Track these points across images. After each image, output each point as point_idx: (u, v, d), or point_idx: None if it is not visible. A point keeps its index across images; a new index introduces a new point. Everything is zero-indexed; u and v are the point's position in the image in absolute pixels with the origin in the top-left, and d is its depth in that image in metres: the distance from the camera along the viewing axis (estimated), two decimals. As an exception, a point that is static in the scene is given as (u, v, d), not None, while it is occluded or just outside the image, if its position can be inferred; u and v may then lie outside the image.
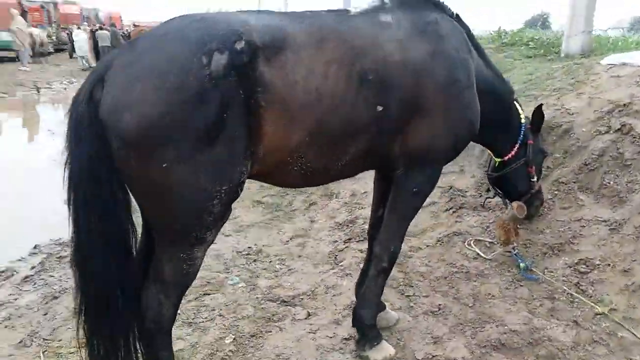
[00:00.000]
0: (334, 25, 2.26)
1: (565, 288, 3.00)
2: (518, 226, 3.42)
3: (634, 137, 3.76)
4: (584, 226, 3.43)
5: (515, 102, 3.27)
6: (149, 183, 1.93)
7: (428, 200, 4.50)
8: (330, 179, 2.53)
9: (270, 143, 2.08)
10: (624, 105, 4.03)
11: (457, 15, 2.77)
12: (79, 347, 2.23)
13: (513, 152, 3.29)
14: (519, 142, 3.26)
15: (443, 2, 2.71)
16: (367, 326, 2.78)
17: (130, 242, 2.12)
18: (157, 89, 1.81)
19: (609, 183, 3.66)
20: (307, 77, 2.08)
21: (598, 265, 3.07)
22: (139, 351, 2.30)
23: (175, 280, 2.14)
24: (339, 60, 2.16)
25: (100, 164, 1.92)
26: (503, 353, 2.67)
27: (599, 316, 2.74)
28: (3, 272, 4.19)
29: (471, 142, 3.01)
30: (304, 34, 2.14)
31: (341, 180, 2.89)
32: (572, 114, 4.28)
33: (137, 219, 2.20)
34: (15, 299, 3.75)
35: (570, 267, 3.16)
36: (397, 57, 2.31)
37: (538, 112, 3.31)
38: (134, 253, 2.17)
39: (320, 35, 2.18)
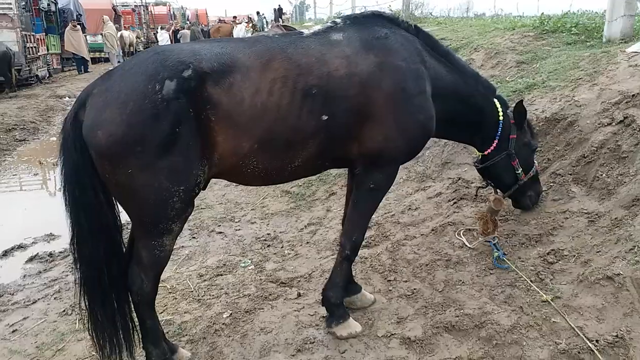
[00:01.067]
0: (283, 47, 2.59)
1: (524, 277, 3.12)
2: (496, 218, 3.55)
3: (634, 129, 3.72)
4: (568, 218, 3.49)
5: (495, 99, 3.42)
6: (119, 186, 2.40)
7: (432, 191, 4.74)
8: (286, 178, 2.88)
9: (223, 150, 2.47)
10: (632, 96, 3.97)
11: (416, 26, 3.00)
12: (82, 317, 2.75)
13: (493, 147, 3.45)
14: (497, 137, 3.42)
15: (397, 18, 2.96)
16: (333, 305, 3.10)
17: (113, 232, 2.60)
18: (121, 112, 2.27)
19: (602, 175, 3.67)
20: (253, 95, 2.44)
21: (565, 256, 3.15)
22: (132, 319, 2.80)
23: (150, 263, 2.58)
24: (283, 78, 2.50)
25: (83, 171, 2.42)
26: (452, 334, 2.88)
27: (543, 303, 2.86)
28: (61, 252, 4.92)
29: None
30: (252, 57, 2.50)
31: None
32: (580, 105, 4.26)
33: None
34: (67, 276, 4.42)
35: (541, 257, 3.25)
36: (342, 71, 2.60)
37: (518, 108, 3.45)
38: (120, 241, 2.66)
39: (268, 57, 2.52)
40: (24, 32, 17.28)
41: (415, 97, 2.77)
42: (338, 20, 2.86)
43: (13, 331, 3.60)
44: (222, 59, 2.44)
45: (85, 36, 22.83)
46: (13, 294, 4.20)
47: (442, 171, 5.03)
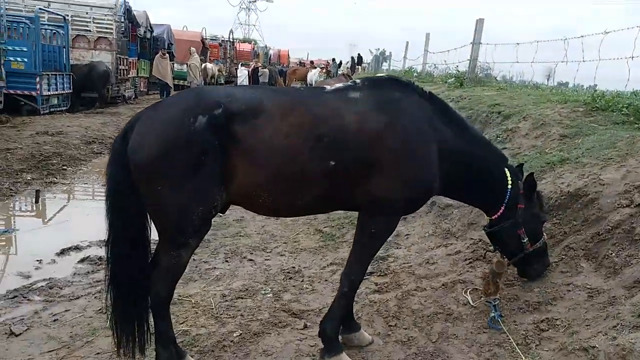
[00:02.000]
0: (305, 99, 3.02)
1: (512, 339, 3.26)
2: (498, 280, 3.70)
3: (650, 214, 3.80)
4: (570, 291, 3.60)
5: (506, 168, 3.61)
6: (150, 199, 2.86)
7: (453, 248, 4.93)
8: (295, 213, 3.25)
9: (240, 180, 2.88)
10: (656, 181, 4.06)
11: (430, 93, 3.32)
12: (110, 311, 3.17)
13: (499, 213, 3.63)
14: (504, 204, 3.60)
15: (412, 83, 3.31)
16: (328, 338, 3.36)
17: (141, 238, 3.04)
18: (159, 138, 2.75)
19: (611, 254, 3.75)
20: (272, 136, 2.85)
21: (557, 325, 3.26)
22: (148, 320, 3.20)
23: (167, 269, 2.99)
24: (300, 125, 2.90)
25: (124, 183, 2.90)
26: (432, 382, 3.07)
27: (521, 365, 3.00)
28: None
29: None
30: (277, 104, 2.93)
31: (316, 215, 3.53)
32: (604, 184, 4.36)
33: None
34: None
35: (535, 323, 3.37)
36: (353, 125, 2.97)
37: (528, 180, 3.62)
38: (146, 247, 3.10)
39: (290, 106, 2.95)
40: (118, 55, 19.04)
41: (419, 156, 3.08)
42: (358, 81, 3.26)
43: (55, 320, 4.10)
44: (250, 102, 2.88)
45: (173, 64, 24.66)
46: (62, 288, 4.75)
47: (467, 231, 5.20)
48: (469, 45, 13.04)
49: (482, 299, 3.82)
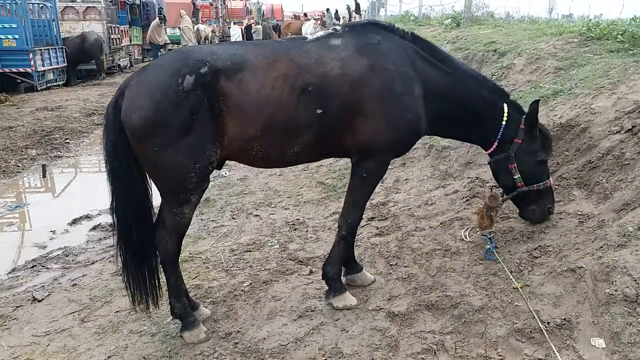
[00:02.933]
0: (287, 50, 3.07)
1: (505, 267, 3.41)
2: (492, 214, 3.82)
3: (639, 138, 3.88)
4: (562, 218, 3.72)
5: (505, 103, 3.58)
6: (147, 160, 2.97)
7: (451, 188, 5.05)
8: (286, 162, 3.33)
9: (232, 134, 2.97)
10: (645, 105, 4.10)
11: (412, 34, 3.35)
12: (122, 271, 3.34)
13: (493, 148, 3.65)
14: (498, 139, 3.59)
15: (393, 26, 3.32)
16: (331, 279, 3.54)
17: (143, 198, 3.18)
18: (150, 100, 2.83)
19: (602, 180, 3.85)
20: (258, 89, 2.93)
21: (549, 252, 3.40)
22: (159, 276, 3.37)
23: (172, 227, 3.13)
24: (284, 76, 2.97)
25: (120, 147, 3.00)
26: (431, 311, 3.24)
27: (513, 289, 3.15)
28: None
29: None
30: (260, 57, 2.99)
31: (320, 161, 3.61)
32: (595, 113, 4.42)
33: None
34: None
35: (528, 252, 3.51)
36: (336, 71, 3.03)
37: (529, 116, 3.55)
38: (149, 206, 3.23)
39: (273, 58, 3.00)
40: (109, 24, 18.81)
41: (403, 97, 3.14)
42: (338, 28, 3.30)
43: (73, 285, 4.30)
44: (234, 58, 2.95)
45: (165, 29, 24.32)
46: (77, 255, 4.96)
47: (464, 171, 5.31)
48: (463, -16, 12.78)
49: (477, 232, 3.95)
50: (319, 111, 3.03)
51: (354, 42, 3.15)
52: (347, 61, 3.08)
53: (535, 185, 3.61)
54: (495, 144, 3.62)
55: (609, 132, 4.14)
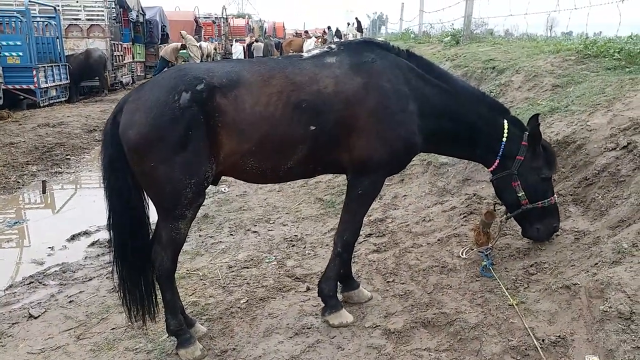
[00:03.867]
0: (282, 67, 3.11)
1: (501, 284, 3.41)
2: (489, 230, 3.82)
3: (635, 155, 3.88)
4: (558, 235, 3.72)
5: (506, 120, 3.54)
6: (144, 175, 2.99)
7: (448, 205, 5.05)
8: (281, 178, 3.35)
9: (227, 150, 3.00)
10: (641, 123, 4.12)
11: (408, 51, 3.39)
12: (118, 286, 3.34)
13: (494, 165, 3.58)
14: (499, 156, 3.54)
15: (387, 43, 3.36)
16: (326, 296, 3.53)
17: (140, 213, 3.19)
18: (147, 116, 2.86)
19: (597, 197, 3.86)
20: (253, 106, 2.97)
21: (545, 268, 3.39)
22: (155, 292, 3.37)
23: (168, 242, 3.14)
24: (279, 93, 3.00)
25: (118, 162, 3.03)
26: (427, 329, 3.23)
27: (509, 306, 3.14)
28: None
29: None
30: (255, 74, 3.03)
31: (319, 178, 3.64)
32: (591, 130, 4.44)
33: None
34: (120, 258, 5.13)
35: (524, 268, 3.50)
36: (330, 89, 3.07)
37: (532, 133, 3.50)
38: (146, 221, 3.25)
39: (268, 75, 3.04)
40: (112, 42, 19.03)
41: (397, 114, 3.17)
42: (333, 46, 3.34)
43: (70, 301, 4.30)
44: (230, 75, 2.99)
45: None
46: (74, 272, 4.96)
47: (462, 187, 5.32)
48: (462, 2, 12.91)
49: (474, 249, 3.95)
50: (313, 128, 3.06)
51: (348, 60, 3.19)
52: (342, 79, 3.12)
53: (539, 202, 3.53)
54: (497, 161, 3.56)
55: (605, 149, 4.16)
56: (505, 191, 3.65)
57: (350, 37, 29.10)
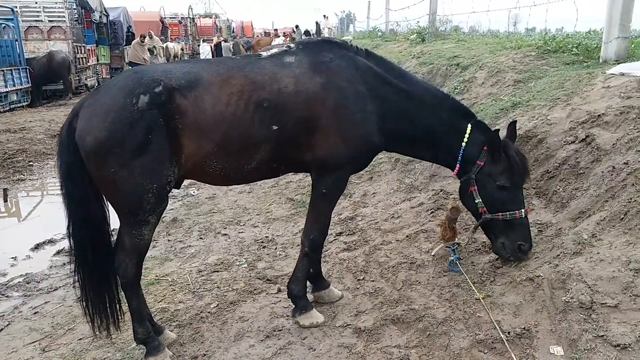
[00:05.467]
0: (241, 67, 3.08)
1: (467, 278, 3.46)
2: (454, 225, 3.87)
3: (593, 148, 3.99)
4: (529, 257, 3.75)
5: (470, 123, 3.43)
6: (103, 181, 2.93)
7: (416, 201, 5.10)
8: (244, 179, 3.33)
9: (188, 152, 2.96)
10: (598, 116, 4.23)
11: (367, 50, 3.40)
12: (80, 295, 3.26)
13: (456, 170, 3.52)
14: (459, 161, 3.46)
15: (346, 43, 3.38)
16: (296, 297, 3.53)
17: (100, 220, 3.13)
18: (104, 121, 2.80)
19: (559, 190, 3.96)
20: (213, 106, 2.93)
21: (510, 261, 3.47)
22: (120, 300, 3.31)
23: (131, 249, 3.08)
24: (239, 92, 2.98)
25: (75, 169, 2.96)
26: (397, 325, 3.27)
27: (476, 300, 3.20)
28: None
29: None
30: (214, 74, 3.00)
31: (289, 177, 3.62)
32: (551, 124, 4.55)
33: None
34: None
35: (490, 262, 3.57)
36: (290, 88, 3.06)
37: (491, 139, 3.33)
38: (106, 228, 3.18)
39: (227, 75, 3.02)
40: (75, 44, 18.58)
41: (355, 114, 3.18)
42: (292, 45, 3.33)
43: (35, 313, 4.19)
44: (188, 76, 2.95)
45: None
46: (39, 282, 4.83)
47: (429, 183, 5.38)
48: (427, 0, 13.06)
49: (440, 244, 4.00)
50: (275, 127, 3.04)
51: (307, 60, 3.19)
52: (301, 78, 3.11)
53: (500, 214, 3.36)
54: (458, 165, 3.49)
55: (565, 142, 4.27)
56: (464, 196, 3.57)
57: (326, 32, 29.10)
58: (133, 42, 20.62)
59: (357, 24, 33.22)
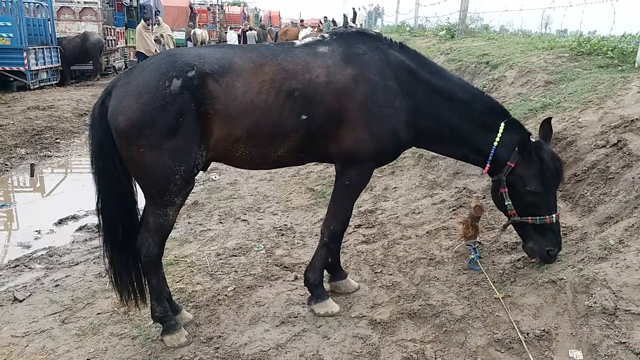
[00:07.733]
0: (275, 55, 3.07)
1: (487, 277, 3.42)
2: (477, 224, 3.82)
3: (625, 153, 3.90)
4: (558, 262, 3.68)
5: (503, 122, 3.30)
6: (133, 161, 2.96)
7: (438, 198, 5.06)
8: (270, 165, 3.33)
9: (217, 137, 2.97)
10: (631, 121, 4.13)
11: (401, 44, 3.34)
12: (109, 270, 3.33)
13: (486, 169, 3.40)
14: (489, 161, 3.35)
15: (381, 35, 3.32)
16: (312, 285, 3.53)
17: (129, 198, 3.17)
18: (137, 102, 2.82)
19: (586, 194, 3.88)
20: (245, 92, 2.93)
21: (532, 263, 3.41)
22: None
23: (155, 229, 3.11)
24: (271, 80, 2.97)
25: (106, 147, 3.00)
26: (413, 320, 3.25)
27: (495, 300, 3.16)
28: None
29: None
30: (247, 61, 3.00)
31: (310, 168, 3.62)
32: (582, 127, 4.45)
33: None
34: (107, 244, 5.10)
35: (512, 262, 3.53)
36: (322, 79, 3.04)
37: (522, 144, 3.22)
38: (134, 206, 3.22)
39: (260, 62, 3.01)
40: (105, 26, 18.80)
41: (384, 108, 3.14)
42: (326, 35, 3.31)
43: (56, 285, 4.27)
44: (221, 62, 2.95)
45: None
46: (61, 256, 4.92)
47: (452, 181, 5.33)
48: (458, -4, 12.88)
49: (462, 242, 3.96)
50: (304, 117, 3.03)
51: (340, 51, 3.16)
52: (333, 69, 3.09)
53: (529, 217, 3.26)
54: (488, 165, 3.37)
55: (595, 146, 4.18)
56: (494, 196, 3.48)
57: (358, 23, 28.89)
58: (138, 27, 17.97)
59: (385, 18, 32.97)
